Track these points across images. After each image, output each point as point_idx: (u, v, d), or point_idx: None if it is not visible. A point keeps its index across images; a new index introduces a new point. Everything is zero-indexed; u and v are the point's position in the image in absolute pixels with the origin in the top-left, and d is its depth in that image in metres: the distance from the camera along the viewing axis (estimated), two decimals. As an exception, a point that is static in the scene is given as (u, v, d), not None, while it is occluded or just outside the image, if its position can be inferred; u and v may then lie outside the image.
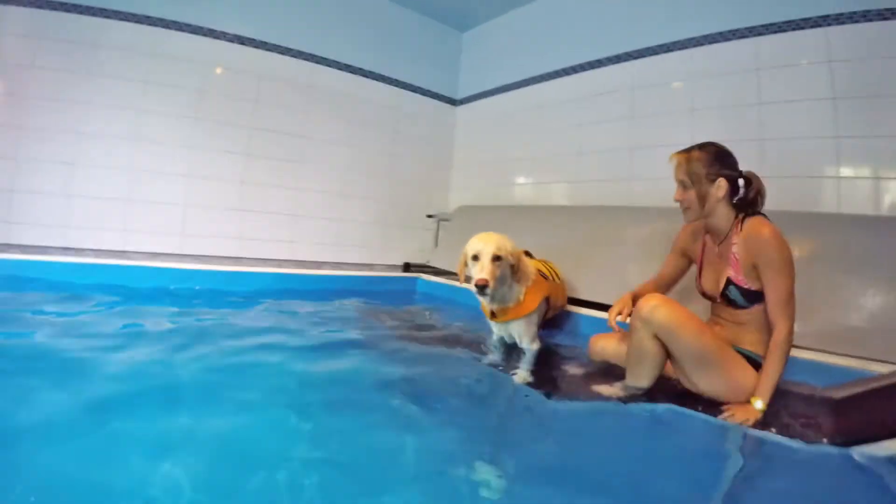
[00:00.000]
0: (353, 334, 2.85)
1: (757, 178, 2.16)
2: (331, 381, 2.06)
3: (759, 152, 3.56)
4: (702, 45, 4.01)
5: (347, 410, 1.76)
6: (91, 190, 4.41)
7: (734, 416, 1.89)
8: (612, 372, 2.41)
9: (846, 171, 3.22)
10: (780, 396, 1.97)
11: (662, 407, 1.94)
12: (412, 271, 5.30)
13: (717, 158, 2.15)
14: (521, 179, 5.54)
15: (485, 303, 2.64)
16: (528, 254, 3.03)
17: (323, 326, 2.94)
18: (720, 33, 3.89)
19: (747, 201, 2.16)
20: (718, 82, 3.88)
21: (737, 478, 1.47)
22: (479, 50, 6.44)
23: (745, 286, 2.09)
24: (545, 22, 5.46)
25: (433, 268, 5.32)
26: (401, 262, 5.84)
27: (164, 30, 4.64)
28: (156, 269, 3.72)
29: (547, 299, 2.82)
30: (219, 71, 4.94)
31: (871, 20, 3.20)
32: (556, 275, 3.03)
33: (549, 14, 5.41)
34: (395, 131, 6.10)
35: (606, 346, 2.57)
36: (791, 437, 1.68)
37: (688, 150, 2.21)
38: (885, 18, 3.14)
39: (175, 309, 3.03)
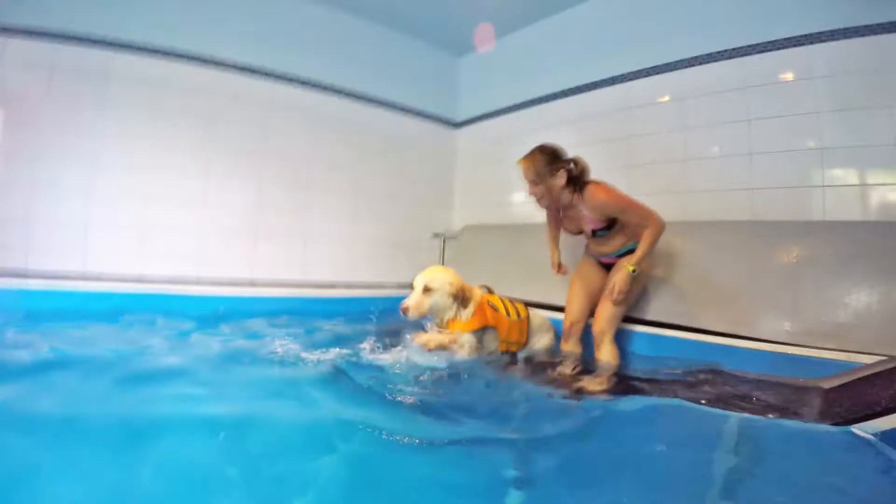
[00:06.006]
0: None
1: (580, 158, 2.96)
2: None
3: (748, 165, 3.76)
4: (692, 66, 4.21)
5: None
6: (107, 219, 4.49)
7: (614, 281, 2.88)
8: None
9: (831, 181, 3.41)
10: (777, 388, 2.17)
11: (661, 401, 2.16)
12: (421, 289, 5.41)
13: (553, 157, 2.88)
14: (521, 198, 5.71)
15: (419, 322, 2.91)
16: (489, 290, 3.29)
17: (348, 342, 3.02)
18: (709, 54, 4.09)
19: (578, 178, 2.92)
20: (708, 100, 4.07)
21: (744, 460, 1.62)
22: (476, 74, 6.63)
23: (603, 226, 2.95)
24: (540, 46, 5.65)
25: (441, 286, 5.43)
26: (409, 281, 5.92)
27: (172, 61, 4.75)
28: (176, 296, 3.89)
29: (495, 331, 2.96)
30: (228, 100, 5.06)
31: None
32: (519, 313, 3.12)
33: (544, 38, 5.61)
34: (399, 155, 6.25)
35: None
36: (788, 418, 1.84)
37: (530, 156, 2.92)
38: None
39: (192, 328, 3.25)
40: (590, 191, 2.86)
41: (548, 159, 2.85)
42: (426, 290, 2.73)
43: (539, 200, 2.98)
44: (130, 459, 1.41)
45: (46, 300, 3.46)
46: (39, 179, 4.26)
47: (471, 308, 2.81)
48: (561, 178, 2.86)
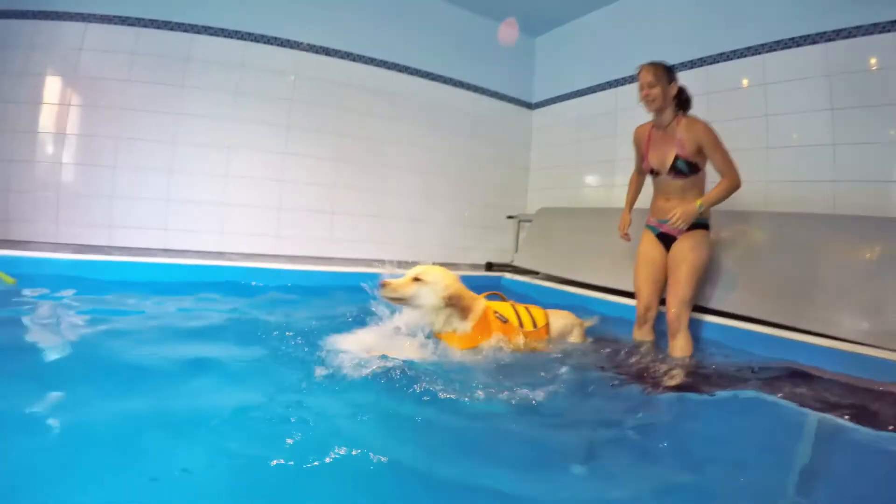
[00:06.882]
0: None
1: (687, 88, 3.12)
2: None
3: (830, 155, 3.72)
4: (773, 50, 4.15)
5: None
6: (189, 195, 4.84)
7: (677, 214, 2.91)
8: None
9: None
10: (853, 390, 2.22)
11: (737, 393, 2.21)
12: (494, 270, 5.58)
13: (670, 70, 3.06)
14: (595, 182, 5.78)
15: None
16: (501, 297, 3.10)
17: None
18: (791, 39, 4.02)
19: (683, 102, 3.10)
20: (790, 87, 4.01)
21: (818, 462, 1.67)
22: (552, 55, 6.64)
23: (690, 160, 3.01)
24: (617, 28, 5.63)
25: (515, 267, 5.58)
26: (482, 262, 6.11)
27: (252, 43, 5.02)
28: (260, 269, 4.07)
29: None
30: (305, 81, 5.30)
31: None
32: (535, 322, 2.87)
33: (621, 20, 5.59)
34: (473, 135, 6.36)
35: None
36: (862, 424, 1.85)
37: (652, 63, 3.08)
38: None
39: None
40: (692, 118, 3.06)
41: (666, 69, 3.05)
42: (416, 279, 2.50)
43: (651, 103, 3.09)
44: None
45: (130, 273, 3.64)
46: (122, 159, 4.61)
47: (469, 321, 2.57)
48: (673, 89, 3.04)
